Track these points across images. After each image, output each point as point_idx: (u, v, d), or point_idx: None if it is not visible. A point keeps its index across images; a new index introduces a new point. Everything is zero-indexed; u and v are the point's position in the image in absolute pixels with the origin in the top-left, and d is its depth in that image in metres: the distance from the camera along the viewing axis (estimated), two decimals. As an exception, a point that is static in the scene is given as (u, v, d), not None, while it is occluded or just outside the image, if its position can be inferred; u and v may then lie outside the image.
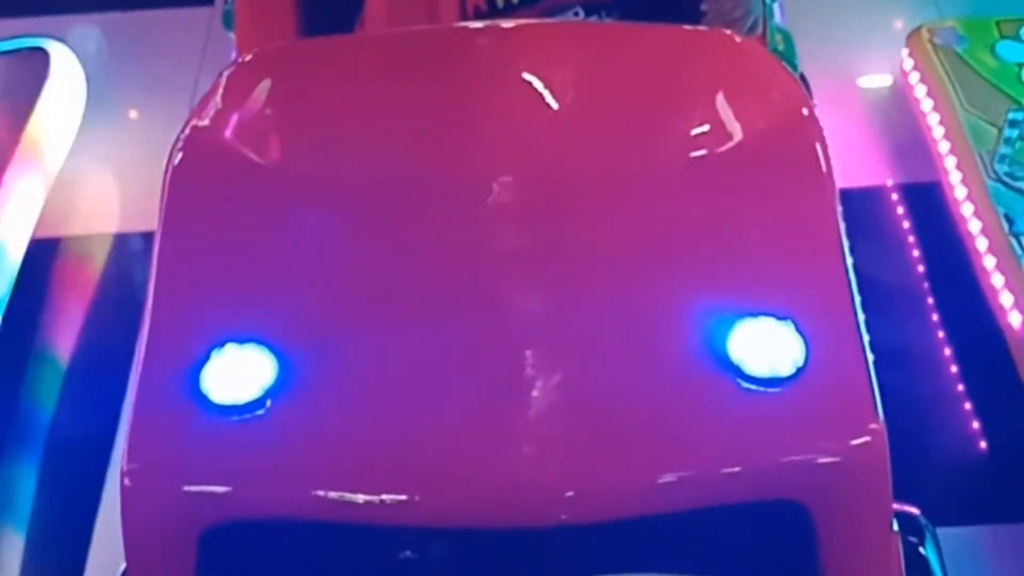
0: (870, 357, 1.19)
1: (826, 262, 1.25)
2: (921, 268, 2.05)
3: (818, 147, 1.35)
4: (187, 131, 1.43)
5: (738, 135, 1.36)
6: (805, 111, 1.38)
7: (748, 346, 1.16)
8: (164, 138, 2.14)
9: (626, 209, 1.30)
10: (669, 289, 1.23)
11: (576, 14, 1.64)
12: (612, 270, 1.25)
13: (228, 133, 1.41)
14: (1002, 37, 2.19)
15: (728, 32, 1.53)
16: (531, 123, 1.38)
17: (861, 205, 2.07)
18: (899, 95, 2.30)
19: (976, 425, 1.83)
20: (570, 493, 1.11)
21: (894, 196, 2.17)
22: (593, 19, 1.65)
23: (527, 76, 1.43)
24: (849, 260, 1.27)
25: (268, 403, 1.17)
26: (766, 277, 1.23)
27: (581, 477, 1.11)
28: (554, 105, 1.41)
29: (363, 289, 1.26)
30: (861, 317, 1.22)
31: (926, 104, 2.16)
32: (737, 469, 1.12)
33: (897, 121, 2.28)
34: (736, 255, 1.25)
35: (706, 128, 1.37)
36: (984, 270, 1.94)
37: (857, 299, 1.23)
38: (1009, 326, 1.85)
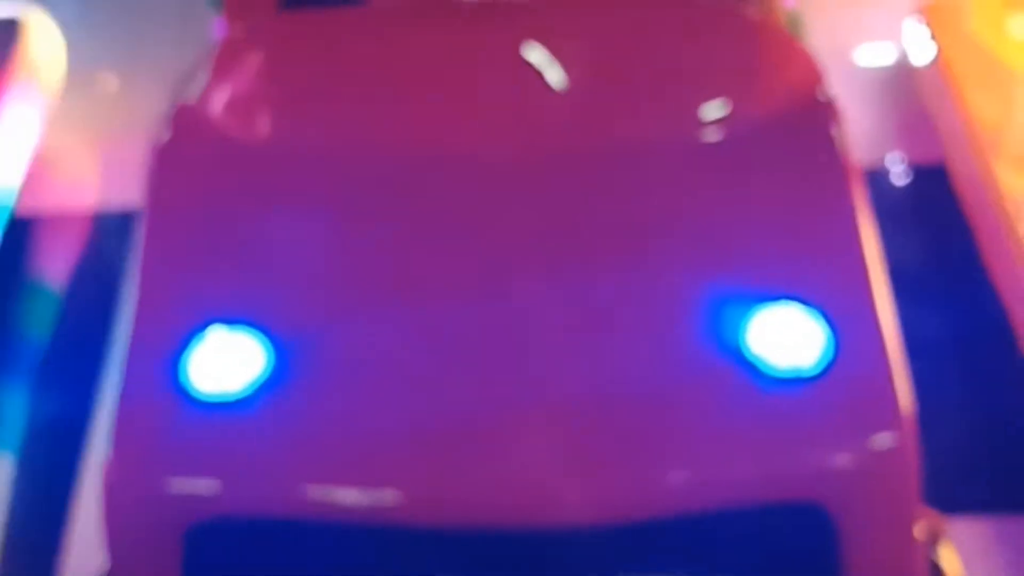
0: (899, 349, 1.14)
1: (849, 248, 1.20)
2: (926, 249, 2.01)
3: (836, 130, 1.31)
4: (173, 108, 1.38)
5: (756, 115, 1.32)
6: (822, 91, 1.35)
7: (769, 337, 1.11)
8: (145, 109, 2.15)
9: (641, 192, 1.25)
10: (687, 277, 1.18)
11: None
12: (626, 257, 1.20)
13: (217, 111, 1.36)
14: (1011, 12, 2.13)
15: (743, 9, 1.48)
16: (540, 101, 1.33)
17: (868, 186, 2.04)
18: (905, 72, 2.24)
19: (981, 409, 1.79)
20: (577, 494, 1.06)
21: (900, 175, 2.14)
22: None
23: (534, 52, 1.38)
24: (876, 245, 1.21)
25: (257, 396, 1.12)
26: (786, 264, 1.18)
27: (588, 479, 1.06)
28: (563, 82, 1.36)
29: (360, 275, 1.21)
30: (890, 306, 1.17)
31: (934, 84, 2.11)
32: (754, 470, 1.07)
33: (902, 99, 2.23)
34: (756, 241, 1.21)
35: (723, 108, 1.33)
36: (990, 251, 1.89)
37: (885, 288, 1.17)
38: (1017, 307, 1.81)
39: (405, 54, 1.38)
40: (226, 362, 1.14)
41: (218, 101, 1.37)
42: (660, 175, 1.26)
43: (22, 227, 2.06)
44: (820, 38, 2.00)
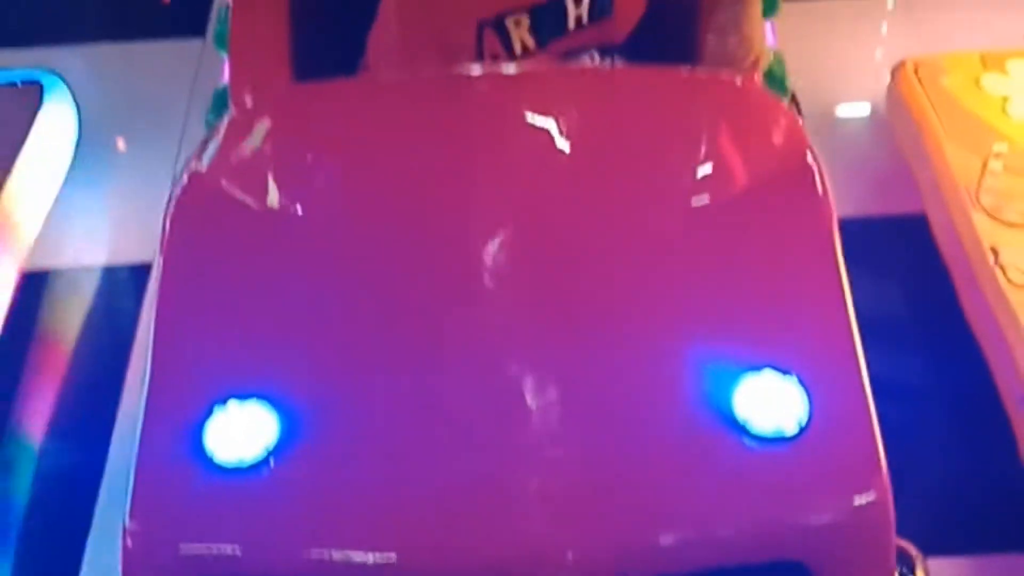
0: (873, 409, 1.19)
1: (830, 313, 1.25)
2: (905, 300, 2.07)
3: (820, 193, 1.35)
4: (185, 178, 1.42)
5: (740, 182, 1.36)
6: (807, 155, 1.39)
7: (753, 402, 1.16)
8: (157, 169, 2.23)
9: (629, 258, 1.30)
10: (673, 343, 1.23)
11: (591, 57, 1.65)
12: (615, 323, 1.25)
13: (227, 180, 1.41)
14: (987, 70, 2.21)
15: (729, 75, 1.54)
16: (534, 171, 1.39)
17: (845, 235, 2.10)
18: (884, 127, 2.32)
19: (960, 455, 1.84)
20: (569, 555, 1.10)
21: (879, 226, 2.19)
22: (606, 61, 1.66)
23: (530, 123, 1.44)
24: (851, 310, 1.26)
25: (271, 462, 1.18)
26: (770, 330, 1.23)
27: (580, 539, 1.11)
28: (556, 152, 1.42)
29: (366, 343, 1.26)
30: (865, 369, 1.22)
31: (910, 136, 2.18)
32: (740, 530, 1.11)
33: (881, 152, 2.30)
34: (740, 307, 1.25)
35: (708, 175, 1.38)
36: (969, 302, 1.95)
37: (860, 350, 1.23)
38: (995, 356, 1.86)
39: (412, 124, 1.44)
40: (239, 431, 1.20)
41: (229, 170, 1.43)
42: (647, 242, 1.31)
43: (36, 281, 2.13)
44: (800, 91, 2.09)
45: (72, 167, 2.29)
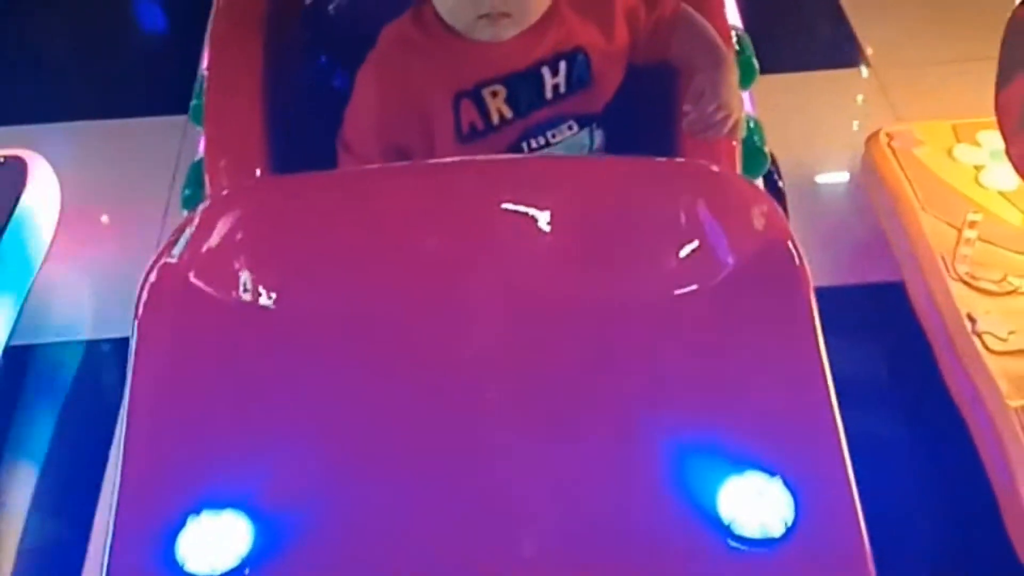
0: (860, 507, 1.17)
1: (815, 410, 1.23)
2: (885, 368, 2.08)
3: (801, 284, 1.34)
4: (156, 271, 1.38)
5: (721, 274, 1.35)
6: (788, 246, 1.38)
7: (737, 504, 1.15)
8: (139, 247, 2.23)
9: (611, 354, 1.28)
10: (656, 442, 1.21)
11: (570, 128, 1.66)
12: (596, 422, 1.23)
13: (200, 274, 1.37)
14: (959, 141, 2.25)
15: (705, 164, 1.54)
16: (512, 264, 1.37)
17: (822, 304, 2.12)
18: (859, 196, 2.35)
19: (942, 523, 1.84)
20: None
21: (856, 295, 2.21)
22: (585, 131, 1.66)
23: (507, 215, 1.42)
24: (835, 404, 1.25)
25: (246, 573, 1.16)
26: (754, 429, 1.21)
27: None
28: (534, 245, 1.40)
29: (345, 447, 1.24)
30: (850, 465, 1.20)
31: (886, 205, 2.21)
32: None
33: (857, 221, 2.33)
34: (722, 405, 1.23)
35: (688, 267, 1.36)
36: (948, 369, 1.96)
37: (845, 445, 1.22)
38: (975, 424, 1.87)
39: (397, 218, 1.42)
40: (213, 541, 1.17)
41: (202, 263, 1.38)
42: (628, 336, 1.30)
43: (19, 355, 2.12)
44: (783, 163, 2.12)
45: (55, 243, 2.29)
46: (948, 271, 2.01)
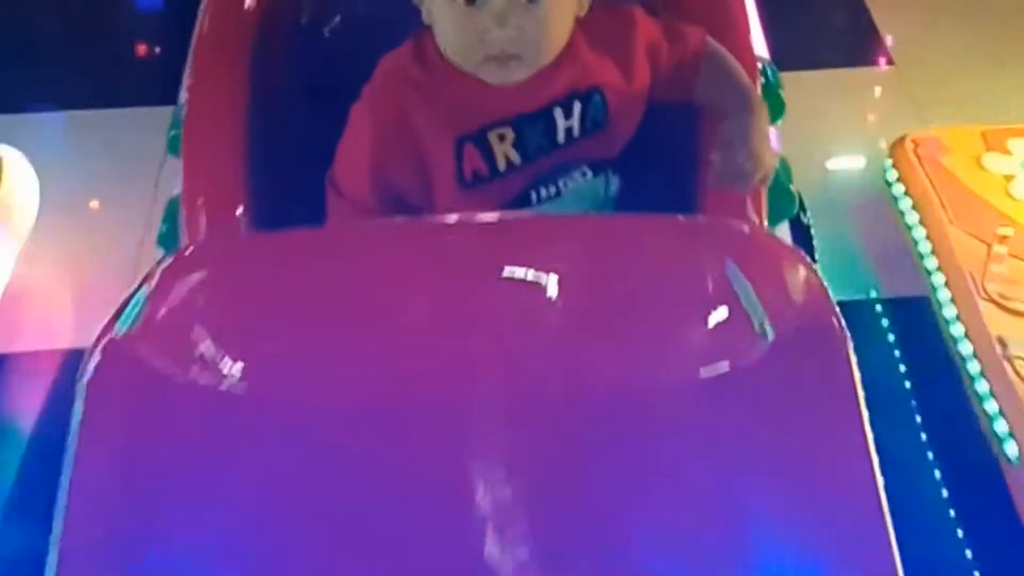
0: None
1: (859, 495, 1.10)
2: (906, 389, 1.98)
3: (842, 354, 1.18)
4: (103, 346, 1.22)
5: (753, 347, 1.18)
6: (829, 314, 1.22)
7: None
8: (122, 243, 2.13)
9: (630, 445, 1.11)
10: (684, 544, 1.07)
11: (583, 174, 1.52)
12: (616, 523, 1.07)
13: (155, 350, 1.20)
14: (988, 149, 2.13)
15: (734, 223, 1.39)
16: (520, 337, 1.19)
17: (847, 319, 2.03)
18: (884, 206, 2.23)
19: (969, 554, 1.75)
20: None
21: (879, 309, 2.11)
22: (600, 178, 1.52)
23: (508, 284, 1.24)
24: (880, 482, 1.12)
25: None
26: (793, 536, 1.08)
27: None
28: (541, 319, 1.21)
29: (307, 542, 1.08)
30: (897, 552, 1.08)
31: (911, 217, 2.09)
32: None
33: (879, 230, 2.22)
34: (757, 508, 1.09)
35: (715, 340, 1.19)
36: (976, 395, 1.85)
37: (892, 530, 1.09)
38: (1004, 455, 1.77)
39: (387, 282, 1.25)
40: None
41: (156, 337, 1.22)
42: (654, 419, 1.13)
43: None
44: (794, 163, 2.01)
45: (31, 244, 2.18)
46: (977, 290, 1.91)
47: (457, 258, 1.27)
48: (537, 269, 1.24)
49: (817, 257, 1.84)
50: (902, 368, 2.02)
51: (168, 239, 1.52)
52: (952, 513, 1.82)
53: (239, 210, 1.49)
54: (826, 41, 2.74)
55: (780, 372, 1.17)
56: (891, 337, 2.06)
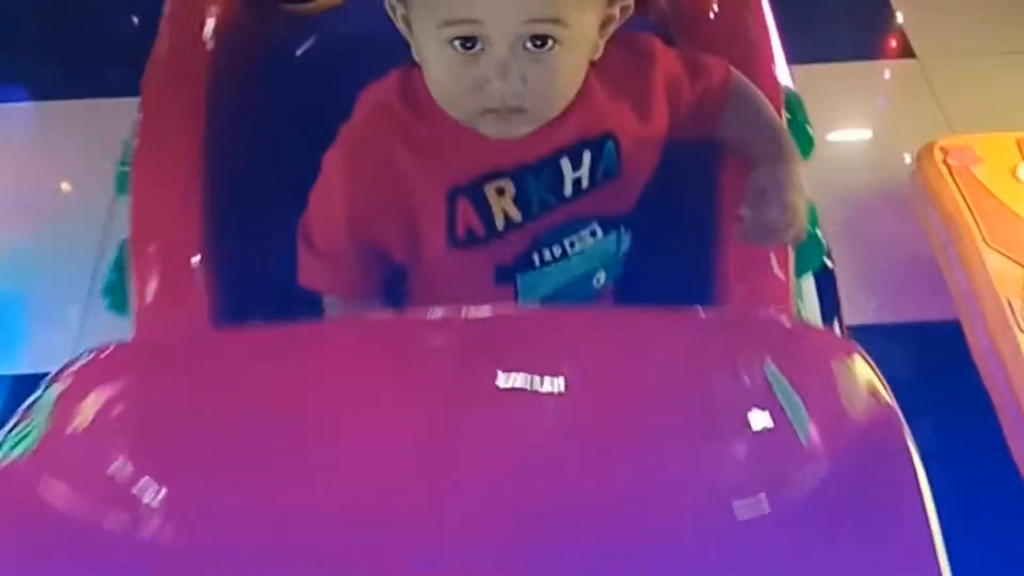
0: None
1: None
2: (936, 422, 1.83)
3: (910, 473, 0.98)
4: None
5: (801, 473, 0.98)
6: (894, 428, 1.02)
7: None
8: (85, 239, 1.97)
9: None
10: None
11: (593, 233, 1.34)
12: None
13: (58, 481, 0.95)
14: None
15: (777, 315, 1.21)
16: (510, 469, 0.97)
17: (869, 346, 1.89)
18: (907, 216, 2.08)
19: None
20: None
21: (903, 335, 1.96)
22: (611, 236, 1.34)
23: (502, 397, 1.01)
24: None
25: None
26: None
27: None
28: (546, 451, 0.99)
29: None
30: None
31: (941, 236, 1.93)
32: None
33: (904, 246, 2.08)
34: None
35: (757, 471, 0.98)
36: (1013, 436, 1.70)
37: None
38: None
39: (338, 400, 1.04)
40: None
41: (61, 464, 0.98)
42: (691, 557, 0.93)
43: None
44: (812, 172, 1.85)
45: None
46: (1015, 319, 1.75)
47: (441, 369, 1.05)
48: (535, 381, 1.02)
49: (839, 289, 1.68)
50: (929, 399, 1.87)
51: (114, 290, 1.34)
52: (983, 546, 1.68)
53: (195, 259, 1.31)
54: (839, 31, 2.58)
55: (834, 504, 0.96)
56: (916, 366, 1.92)
